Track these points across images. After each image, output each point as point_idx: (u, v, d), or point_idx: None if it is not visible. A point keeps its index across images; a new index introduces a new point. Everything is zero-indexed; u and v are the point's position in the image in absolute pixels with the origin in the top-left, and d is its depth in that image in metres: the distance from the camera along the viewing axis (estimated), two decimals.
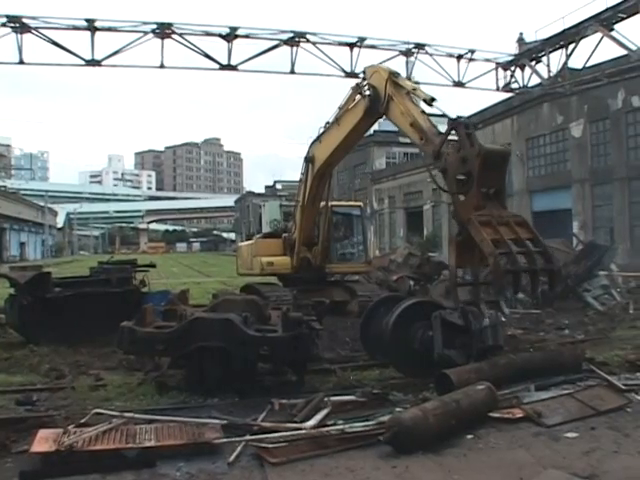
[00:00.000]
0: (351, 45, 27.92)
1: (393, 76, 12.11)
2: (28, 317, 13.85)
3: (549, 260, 10.21)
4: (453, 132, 10.55)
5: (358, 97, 13.33)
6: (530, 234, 10.15)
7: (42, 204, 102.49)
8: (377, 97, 12.39)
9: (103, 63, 25.59)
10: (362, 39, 28.06)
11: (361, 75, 13.25)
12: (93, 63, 25.38)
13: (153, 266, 17.69)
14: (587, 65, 30.59)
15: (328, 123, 14.68)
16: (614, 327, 15.74)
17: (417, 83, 12.53)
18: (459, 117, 10.69)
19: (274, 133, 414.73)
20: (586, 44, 29.20)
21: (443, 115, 11.03)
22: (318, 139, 15.20)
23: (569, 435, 7.32)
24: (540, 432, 7.44)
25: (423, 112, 11.53)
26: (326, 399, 8.20)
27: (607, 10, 27.76)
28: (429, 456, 6.67)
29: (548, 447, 6.93)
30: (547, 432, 7.42)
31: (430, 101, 11.23)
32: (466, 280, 11.03)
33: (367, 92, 12.77)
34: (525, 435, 7.37)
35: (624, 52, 28.43)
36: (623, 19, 27.28)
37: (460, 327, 9.44)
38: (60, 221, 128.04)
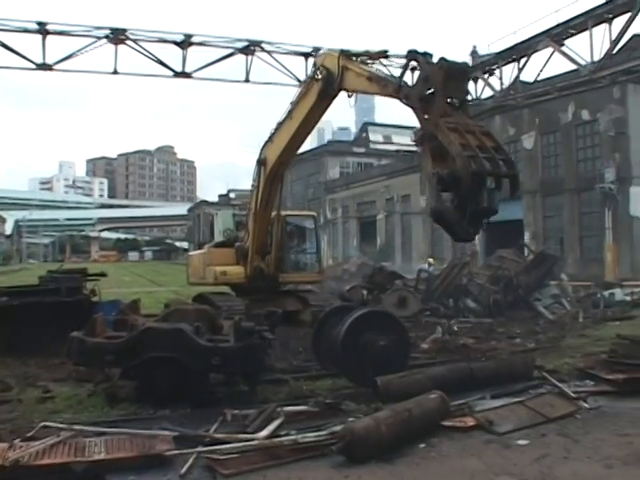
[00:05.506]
0: (306, 55, 28.05)
1: (343, 52, 12.80)
2: None
3: (512, 167, 10.68)
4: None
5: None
6: (494, 143, 10.54)
7: None
8: (330, 76, 12.89)
9: (55, 67, 25.18)
10: (317, 49, 28.07)
11: (312, 67, 13.73)
12: (44, 67, 24.94)
13: (104, 275, 17.38)
14: (538, 79, 31.25)
15: (279, 123, 14.93)
16: (564, 335, 16.00)
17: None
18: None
19: (230, 142, 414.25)
20: (537, 58, 29.86)
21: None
22: (270, 139, 15.37)
23: (520, 442, 7.41)
24: (491, 440, 7.52)
25: (378, 70, 12.12)
26: (279, 409, 8.16)
27: (558, 26, 28.42)
28: (382, 465, 6.68)
29: (499, 454, 7.00)
30: (498, 440, 7.51)
31: (384, 53, 12.08)
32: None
33: (319, 75, 13.20)
34: (477, 443, 7.44)
35: (574, 67, 29.09)
36: (573, 35, 27.95)
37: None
38: (8, 228, 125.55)
